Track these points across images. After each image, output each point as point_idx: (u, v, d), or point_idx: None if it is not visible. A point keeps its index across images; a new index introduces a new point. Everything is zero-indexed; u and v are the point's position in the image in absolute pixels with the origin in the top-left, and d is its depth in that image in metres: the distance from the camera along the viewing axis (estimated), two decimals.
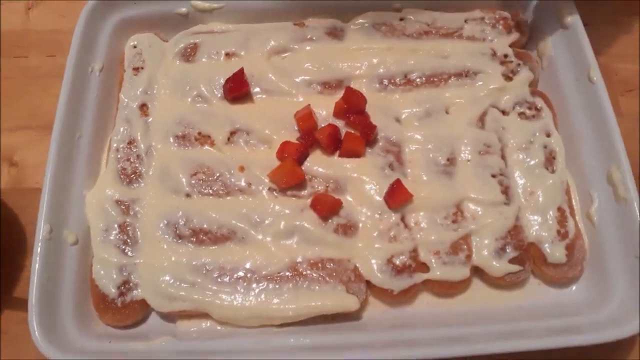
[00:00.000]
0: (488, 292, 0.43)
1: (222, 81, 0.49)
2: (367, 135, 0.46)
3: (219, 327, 0.41)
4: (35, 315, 0.39)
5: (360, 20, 0.51)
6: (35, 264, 0.40)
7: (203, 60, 0.50)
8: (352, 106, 0.46)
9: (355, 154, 0.45)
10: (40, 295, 0.39)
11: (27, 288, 0.44)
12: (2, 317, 0.45)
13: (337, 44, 0.50)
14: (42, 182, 0.46)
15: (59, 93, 0.46)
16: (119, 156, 0.46)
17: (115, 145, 0.47)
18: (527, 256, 0.43)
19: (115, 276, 0.42)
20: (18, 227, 0.48)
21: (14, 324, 0.44)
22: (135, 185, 0.45)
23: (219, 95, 0.49)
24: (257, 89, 0.49)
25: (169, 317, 0.42)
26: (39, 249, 0.40)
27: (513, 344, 0.38)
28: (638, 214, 0.41)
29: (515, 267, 0.42)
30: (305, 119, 0.46)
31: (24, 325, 0.43)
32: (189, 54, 0.50)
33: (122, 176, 0.45)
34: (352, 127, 0.46)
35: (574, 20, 0.48)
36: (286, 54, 0.50)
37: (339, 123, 0.47)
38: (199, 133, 0.47)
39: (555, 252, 0.42)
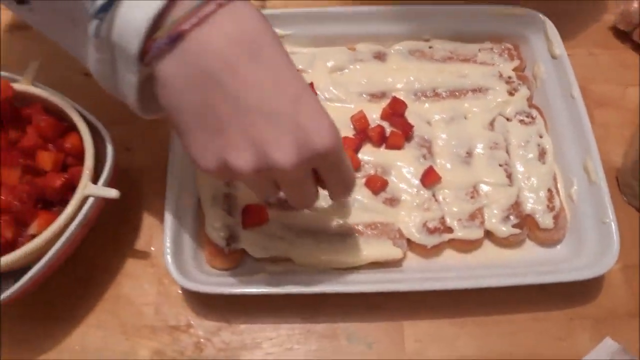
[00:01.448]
0: (495, 249, 0.57)
1: None
2: (406, 133, 0.60)
3: (299, 270, 0.56)
4: (170, 255, 0.53)
5: (398, 47, 0.66)
6: (167, 221, 0.54)
7: None
8: (396, 111, 0.61)
9: (398, 147, 0.60)
10: (171, 243, 0.53)
11: (143, 242, 0.59)
12: (128, 263, 0.59)
13: (381, 65, 0.65)
14: (151, 162, 0.61)
15: None
16: None
17: None
18: (524, 223, 0.57)
19: (222, 232, 0.56)
20: (134, 198, 0.61)
21: (138, 268, 0.58)
22: None
23: None
24: (321, 98, 0.63)
25: (260, 264, 0.56)
26: (169, 210, 0.54)
27: (510, 280, 0.53)
28: (604, 192, 0.56)
29: (516, 230, 0.56)
30: (360, 120, 0.61)
31: (146, 269, 0.57)
32: None
33: None
34: (395, 127, 0.61)
35: (561, 52, 0.64)
36: (343, 71, 0.65)
37: (385, 124, 0.62)
38: None
39: (545, 220, 0.57)
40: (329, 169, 0.42)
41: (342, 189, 0.44)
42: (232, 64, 0.36)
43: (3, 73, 0.56)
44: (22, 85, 0.55)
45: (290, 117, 0.37)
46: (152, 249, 0.58)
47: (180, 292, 0.56)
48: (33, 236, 0.50)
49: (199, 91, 0.37)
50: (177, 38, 0.36)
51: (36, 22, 0.45)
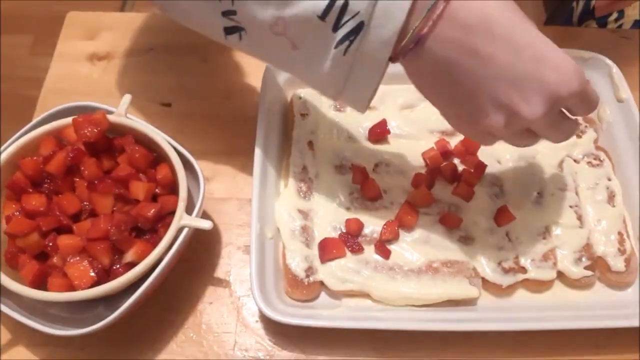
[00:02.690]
0: (566, 290, 0.58)
1: (366, 126, 0.66)
2: (480, 171, 0.62)
3: (374, 304, 0.57)
4: (256, 286, 0.54)
5: None
6: (253, 252, 0.55)
7: (350, 110, 0.67)
8: (469, 149, 0.63)
9: (470, 185, 0.62)
10: (256, 274, 0.55)
11: (221, 271, 0.61)
12: (208, 292, 0.60)
13: None
14: (227, 192, 0.64)
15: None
16: (296, 177, 0.63)
17: (292, 169, 0.63)
18: (596, 265, 0.58)
19: (302, 263, 0.57)
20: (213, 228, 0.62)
21: (218, 296, 0.60)
22: (309, 199, 0.61)
23: (365, 137, 0.66)
24: (392, 134, 0.66)
25: (336, 296, 0.58)
26: (254, 241, 0.56)
27: (585, 323, 0.54)
28: None
29: (588, 272, 0.57)
30: (433, 157, 0.63)
31: (225, 298, 0.59)
32: (340, 105, 0.68)
33: (299, 192, 0.62)
34: (467, 165, 0.63)
35: (628, 96, 0.66)
36: (413, 109, 0.67)
37: (456, 161, 0.64)
38: (352, 164, 0.64)
39: (616, 263, 0.58)
40: (576, 104, 0.46)
41: (587, 111, 0.48)
42: (467, 48, 0.43)
43: (97, 104, 0.59)
44: (117, 117, 0.57)
45: (533, 76, 0.42)
46: (230, 278, 0.60)
47: (257, 321, 0.58)
48: (129, 264, 0.52)
49: (445, 77, 0.45)
50: (418, 42, 0.43)
51: (241, 46, 0.50)
